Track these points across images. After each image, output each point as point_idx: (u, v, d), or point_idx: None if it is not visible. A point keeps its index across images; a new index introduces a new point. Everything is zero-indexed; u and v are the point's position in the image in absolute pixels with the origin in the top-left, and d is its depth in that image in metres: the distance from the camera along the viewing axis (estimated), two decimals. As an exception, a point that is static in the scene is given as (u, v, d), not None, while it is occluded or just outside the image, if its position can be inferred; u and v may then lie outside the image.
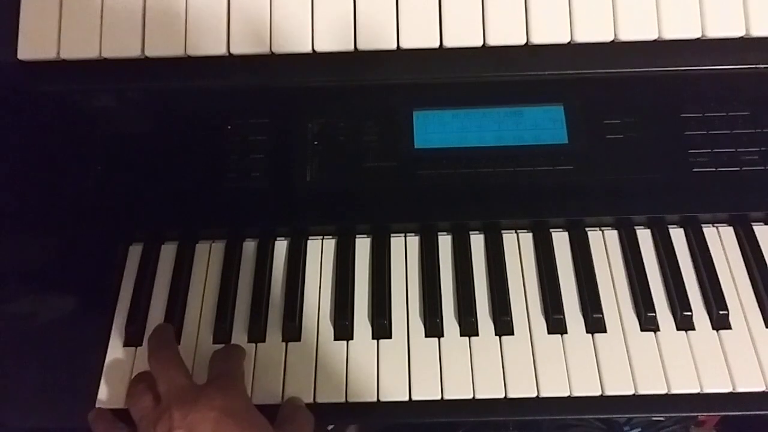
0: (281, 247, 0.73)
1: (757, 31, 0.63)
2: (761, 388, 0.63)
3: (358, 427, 0.88)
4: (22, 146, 0.76)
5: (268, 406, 0.62)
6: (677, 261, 0.70)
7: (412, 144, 0.74)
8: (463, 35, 0.64)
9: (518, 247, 0.72)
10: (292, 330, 0.67)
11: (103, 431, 0.61)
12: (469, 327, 0.67)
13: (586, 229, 0.72)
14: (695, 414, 0.78)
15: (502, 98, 0.75)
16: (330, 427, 0.85)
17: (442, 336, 0.67)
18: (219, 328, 0.68)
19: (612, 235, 0.72)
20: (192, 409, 0.54)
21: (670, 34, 0.63)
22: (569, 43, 0.64)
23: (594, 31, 0.64)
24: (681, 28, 0.63)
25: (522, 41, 0.64)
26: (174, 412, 0.54)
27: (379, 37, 0.64)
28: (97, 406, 0.64)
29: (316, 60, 0.65)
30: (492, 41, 0.64)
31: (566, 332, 0.66)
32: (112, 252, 0.72)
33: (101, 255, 0.72)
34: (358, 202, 0.73)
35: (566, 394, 0.63)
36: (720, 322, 0.66)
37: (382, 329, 0.67)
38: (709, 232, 0.72)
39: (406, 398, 0.64)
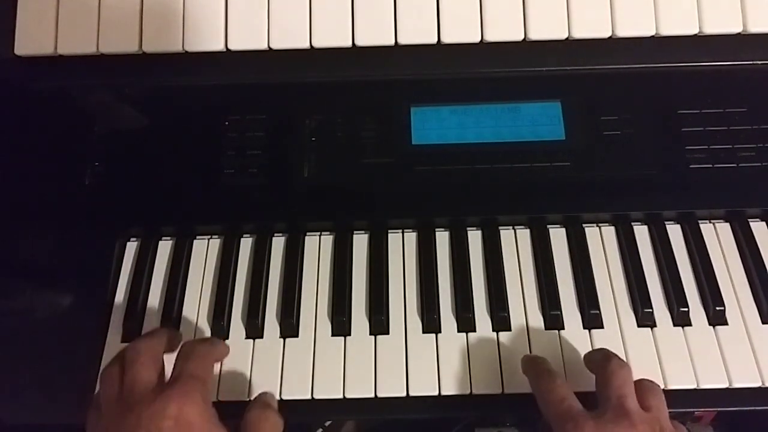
0: (278, 243, 0.73)
1: (755, 28, 0.63)
2: (757, 384, 0.63)
3: (355, 422, 0.88)
4: (19, 142, 0.76)
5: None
6: (674, 257, 0.70)
7: (409, 140, 0.74)
8: (461, 31, 0.64)
9: (515, 243, 0.72)
10: (290, 326, 0.67)
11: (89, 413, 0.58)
12: (466, 323, 0.67)
13: (584, 225, 0.72)
14: (692, 409, 0.79)
15: (499, 94, 0.75)
16: (327, 423, 0.85)
17: (440, 332, 0.67)
18: (216, 324, 0.68)
19: (609, 231, 0.72)
20: (144, 414, 0.52)
21: (667, 30, 0.63)
22: (567, 39, 0.64)
23: (592, 27, 0.64)
24: (678, 24, 0.64)
25: (520, 37, 0.64)
26: (128, 415, 0.52)
27: (377, 33, 0.63)
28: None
29: (313, 56, 0.65)
30: (490, 37, 0.64)
31: (563, 328, 0.66)
32: (110, 248, 0.72)
33: (99, 251, 0.71)
34: (355, 198, 0.73)
35: (563, 389, 0.63)
36: (717, 318, 0.66)
37: (379, 325, 0.67)
38: (706, 228, 0.72)
39: (404, 394, 0.64)
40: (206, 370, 0.58)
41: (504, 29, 0.64)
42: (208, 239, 0.73)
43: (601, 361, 0.59)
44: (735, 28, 0.63)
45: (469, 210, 0.72)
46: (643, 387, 0.58)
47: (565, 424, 0.53)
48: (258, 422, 0.58)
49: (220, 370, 0.65)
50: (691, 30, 0.63)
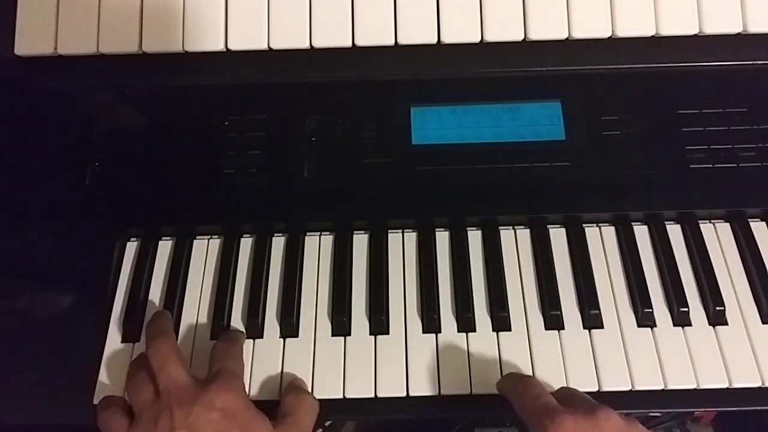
0: (279, 243, 0.73)
1: (755, 28, 0.63)
2: (757, 384, 0.63)
3: (355, 422, 0.88)
4: (19, 142, 0.76)
5: (266, 402, 0.62)
6: (674, 257, 0.70)
7: (409, 140, 0.74)
8: (460, 31, 0.64)
9: (516, 243, 0.72)
10: (290, 326, 0.67)
11: (107, 417, 0.60)
12: (466, 323, 0.67)
13: (584, 225, 0.72)
14: (692, 410, 0.79)
15: (499, 94, 0.75)
16: (327, 423, 0.85)
17: (440, 332, 0.67)
18: (216, 324, 0.68)
19: (609, 231, 0.72)
20: (192, 409, 0.55)
21: (667, 30, 0.63)
22: (567, 39, 0.64)
23: (592, 27, 0.63)
24: (678, 24, 0.63)
25: (520, 37, 0.64)
26: (175, 412, 0.55)
27: (377, 33, 0.63)
28: (95, 402, 0.64)
29: (313, 56, 0.65)
30: (490, 37, 0.63)
31: (563, 328, 0.66)
32: (110, 248, 0.72)
33: (99, 251, 0.71)
34: (355, 198, 0.73)
35: (563, 389, 0.63)
36: (717, 318, 0.66)
37: (379, 325, 0.67)
38: (706, 228, 0.72)
39: (404, 394, 0.64)
40: (241, 367, 0.63)
41: (504, 29, 0.63)
42: (208, 239, 0.73)
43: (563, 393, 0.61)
44: (735, 28, 0.63)
45: (469, 210, 0.72)
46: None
47: (543, 419, 0.54)
48: (295, 405, 0.61)
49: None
50: (691, 30, 0.63)
